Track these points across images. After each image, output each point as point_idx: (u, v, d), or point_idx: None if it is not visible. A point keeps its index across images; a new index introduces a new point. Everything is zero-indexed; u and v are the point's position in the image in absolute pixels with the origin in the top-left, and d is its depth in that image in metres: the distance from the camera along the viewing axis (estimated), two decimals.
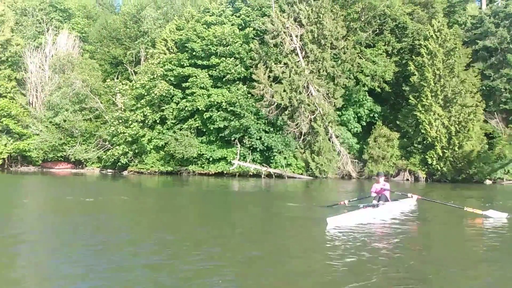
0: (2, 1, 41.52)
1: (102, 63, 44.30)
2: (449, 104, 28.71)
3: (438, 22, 30.00)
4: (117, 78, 40.50)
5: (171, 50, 34.89)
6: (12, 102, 39.43)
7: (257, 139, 30.58)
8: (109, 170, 36.75)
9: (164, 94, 32.17)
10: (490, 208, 12.06)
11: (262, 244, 8.33)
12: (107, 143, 35.97)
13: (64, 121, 36.82)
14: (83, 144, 37.90)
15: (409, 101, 30.00)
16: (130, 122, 32.90)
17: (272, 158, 30.78)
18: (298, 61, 31.23)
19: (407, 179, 30.01)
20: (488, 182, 28.03)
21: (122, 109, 34.05)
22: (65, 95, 37.20)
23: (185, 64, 33.09)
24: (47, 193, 20.53)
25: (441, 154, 28.28)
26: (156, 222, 11.19)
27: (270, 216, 12.66)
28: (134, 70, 39.27)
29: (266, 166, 30.55)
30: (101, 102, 37.86)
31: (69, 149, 37.35)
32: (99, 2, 66.92)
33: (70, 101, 37.20)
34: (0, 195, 18.26)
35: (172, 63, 33.23)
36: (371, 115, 33.02)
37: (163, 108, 33.22)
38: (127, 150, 33.68)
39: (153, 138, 33.23)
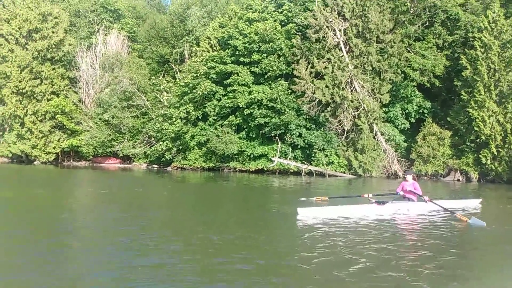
0: (58, 4, 43.59)
1: (149, 62, 45.51)
2: (505, 100, 26.82)
3: (494, 12, 28.06)
4: (164, 76, 41.42)
5: (214, 48, 35.10)
6: (65, 99, 41.29)
7: (298, 136, 30.07)
8: (154, 166, 37.64)
9: (206, 92, 32.40)
10: None
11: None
12: (152, 139, 36.85)
13: (113, 117, 38.12)
14: (131, 140, 39.08)
15: (461, 96, 28.35)
16: (174, 119, 33.46)
17: (313, 155, 30.16)
18: (341, 56, 30.36)
19: (458, 180, 28.39)
20: None
21: (167, 106, 34.67)
22: (113, 92, 38.50)
23: (227, 62, 33.15)
24: (84, 187, 21.20)
25: (495, 153, 26.49)
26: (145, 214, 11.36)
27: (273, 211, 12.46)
28: (179, 69, 39.92)
29: (306, 164, 29.95)
30: (147, 100, 38.83)
31: (117, 145, 38.65)
32: (150, 3, 68.97)
33: (118, 98, 38.43)
34: (38, 188, 18.96)
35: (215, 60, 33.39)
36: (420, 111, 31.55)
37: (205, 105, 33.48)
38: (170, 146, 34.29)
39: (195, 134, 33.59)
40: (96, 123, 39.77)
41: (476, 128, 26.92)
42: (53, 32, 41.02)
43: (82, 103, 43.55)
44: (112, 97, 38.30)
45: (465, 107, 27.96)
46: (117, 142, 38.97)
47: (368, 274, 5.91)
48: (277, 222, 10.10)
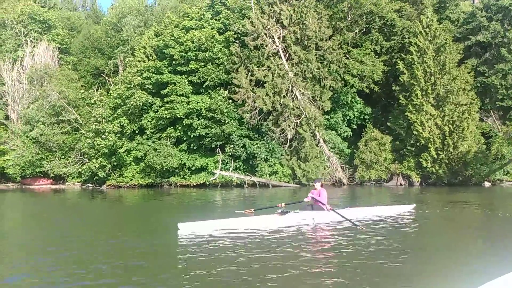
0: None
1: (84, 75, 42.91)
2: (442, 103, 27.12)
3: (427, 18, 28.51)
4: (99, 89, 38.89)
5: (150, 58, 33.36)
6: None
7: (240, 146, 28.89)
8: (89, 185, 34.98)
9: (141, 103, 30.55)
10: None
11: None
12: (85, 156, 34.26)
13: (41, 135, 35.06)
14: (62, 158, 36.15)
15: (400, 101, 28.43)
16: (106, 134, 31.19)
17: (257, 166, 29.06)
18: (281, 64, 29.67)
19: (401, 184, 28.31)
20: (487, 184, 26.36)
21: (98, 120, 32.27)
22: (40, 107, 35.58)
23: (163, 72, 31.52)
24: None
25: (435, 156, 26.60)
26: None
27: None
28: (113, 81, 37.53)
29: (249, 175, 28.77)
30: (79, 114, 36.17)
31: (48, 164, 35.60)
32: (89, 14, 65.90)
33: (46, 113, 35.51)
34: None
35: (150, 71, 31.66)
36: (362, 117, 31.49)
37: (142, 117, 31.58)
38: (104, 163, 31.92)
39: (132, 149, 31.49)
40: (23, 141, 36.51)
41: (415, 132, 26.98)
42: None
43: (10, 120, 40.16)
44: (39, 112, 35.34)
45: (403, 112, 28.02)
46: (47, 161, 35.87)
47: None
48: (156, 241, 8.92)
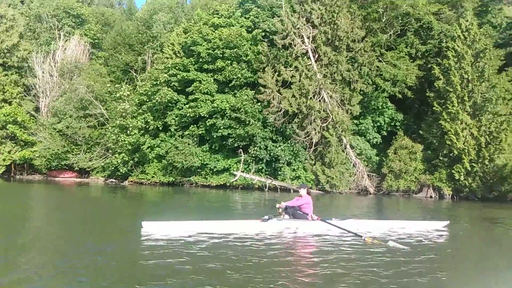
0: (13, 7, 41.05)
1: (114, 70, 43.13)
2: (479, 112, 25.46)
3: (467, 21, 26.87)
4: (128, 85, 38.93)
5: (178, 55, 33.06)
6: (18, 108, 38.53)
7: (263, 148, 28.09)
8: (112, 180, 35.03)
9: (166, 100, 30.24)
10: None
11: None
12: (109, 151, 34.31)
13: (67, 127, 35.38)
14: (88, 152, 36.36)
15: (434, 108, 26.91)
16: (130, 129, 31.08)
17: (279, 170, 28.19)
18: (309, 64, 28.68)
19: (431, 196, 26.76)
20: None
21: (124, 116, 32.21)
22: (69, 101, 35.91)
23: (190, 69, 31.12)
24: None
25: (469, 169, 24.94)
26: None
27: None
28: (140, 77, 37.46)
29: (271, 179, 27.95)
30: (105, 109, 36.28)
31: (73, 157, 35.86)
32: (125, 12, 66.61)
33: (74, 107, 35.81)
34: None
35: (177, 68, 31.31)
36: (392, 124, 30.09)
37: (167, 114, 31.29)
38: (127, 159, 31.81)
39: (155, 146, 31.24)
40: (50, 133, 36.94)
41: (448, 142, 25.43)
42: (7, 36, 38.34)
43: (40, 112, 40.86)
44: (67, 105, 35.67)
45: (437, 120, 26.51)
46: (72, 154, 36.14)
47: None
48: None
